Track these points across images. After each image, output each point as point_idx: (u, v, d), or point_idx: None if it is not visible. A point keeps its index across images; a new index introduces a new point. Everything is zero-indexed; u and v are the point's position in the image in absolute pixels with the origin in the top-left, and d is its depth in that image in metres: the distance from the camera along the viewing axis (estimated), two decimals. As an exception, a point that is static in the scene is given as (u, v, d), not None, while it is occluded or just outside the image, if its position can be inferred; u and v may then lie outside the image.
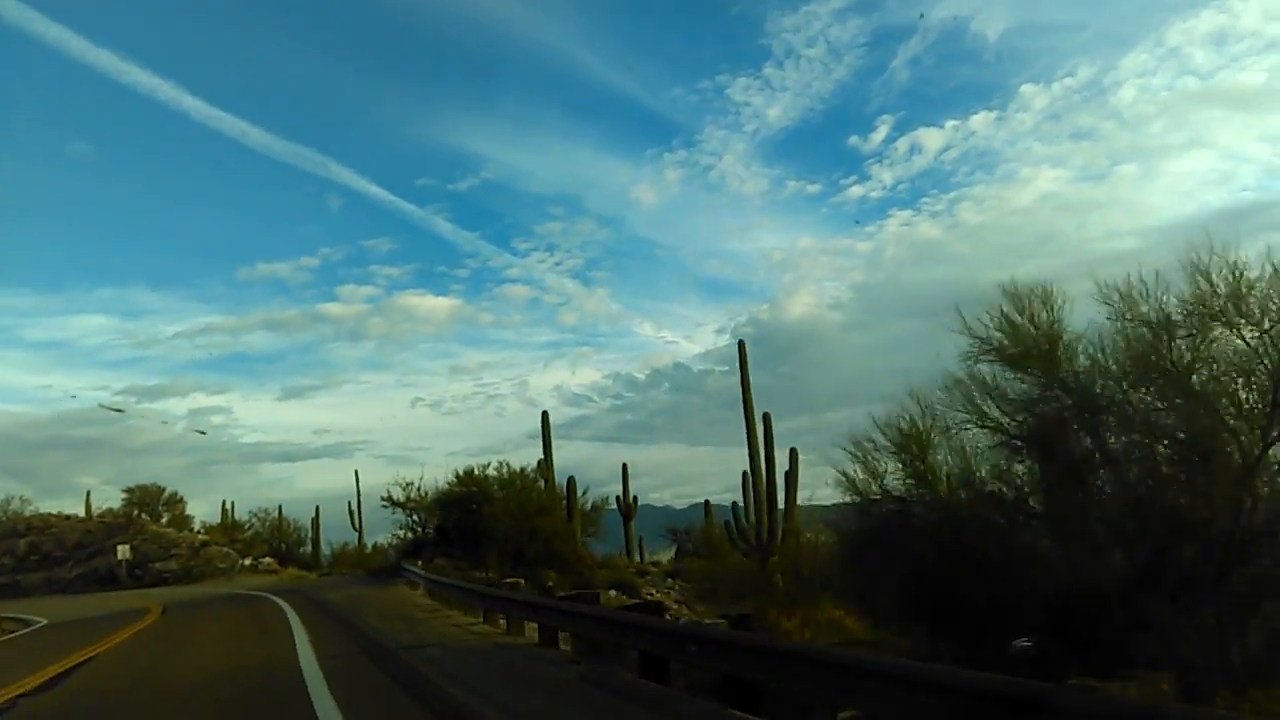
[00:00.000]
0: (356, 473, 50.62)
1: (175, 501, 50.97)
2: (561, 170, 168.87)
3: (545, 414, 32.44)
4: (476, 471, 29.85)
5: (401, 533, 33.99)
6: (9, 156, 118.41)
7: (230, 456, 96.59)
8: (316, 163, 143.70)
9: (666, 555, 43.51)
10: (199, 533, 48.45)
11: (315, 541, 48.45)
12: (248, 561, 44.72)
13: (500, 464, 29.97)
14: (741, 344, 27.72)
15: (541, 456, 31.46)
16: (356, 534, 47.45)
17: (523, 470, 29.97)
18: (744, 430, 26.43)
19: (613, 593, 26.06)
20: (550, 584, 25.04)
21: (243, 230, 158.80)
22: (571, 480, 31.27)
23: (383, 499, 33.67)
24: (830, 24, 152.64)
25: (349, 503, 48.17)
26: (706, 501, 40.70)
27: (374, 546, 45.47)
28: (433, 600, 20.89)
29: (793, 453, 27.16)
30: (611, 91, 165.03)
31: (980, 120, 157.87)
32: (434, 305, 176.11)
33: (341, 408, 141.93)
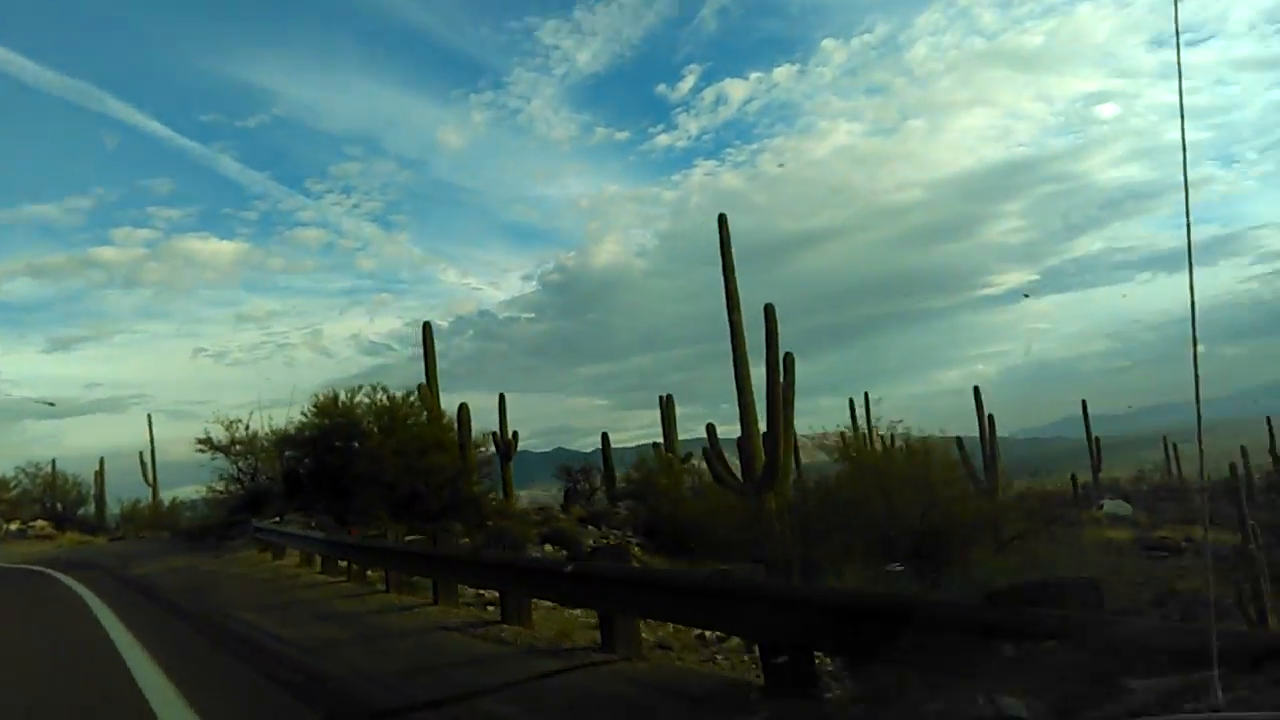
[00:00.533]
0: (150, 418, 40.79)
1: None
2: (360, 108, 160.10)
3: (427, 325, 25.74)
4: (342, 400, 22.88)
5: (223, 485, 26.34)
6: None
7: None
8: (92, 97, 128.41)
9: (546, 497, 38.35)
10: (-54, 489, 37.31)
11: (100, 499, 38.51)
12: (14, 526, 34.68)
13: (375, 388, 23.14)
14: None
15: (424, 380, 24.84)
16: (151, 490, 38.28)
17: (406, 397, 23.29)
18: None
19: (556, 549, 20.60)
20: (466, 539, 19.14)
21: (6, 168, 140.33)
22: (464, 408, 24.90)
23: (199, 441, 25.79)
24: None
25: (140, 454, 38.75)
26: (605, 435, 35.78)
27: (172, 503, 36.80)
28: (326, 573, 14.49)
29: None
30: (414, 27, 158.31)
31: (783, 73, 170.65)
32: (218, 249, 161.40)
33: (115, 359, 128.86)
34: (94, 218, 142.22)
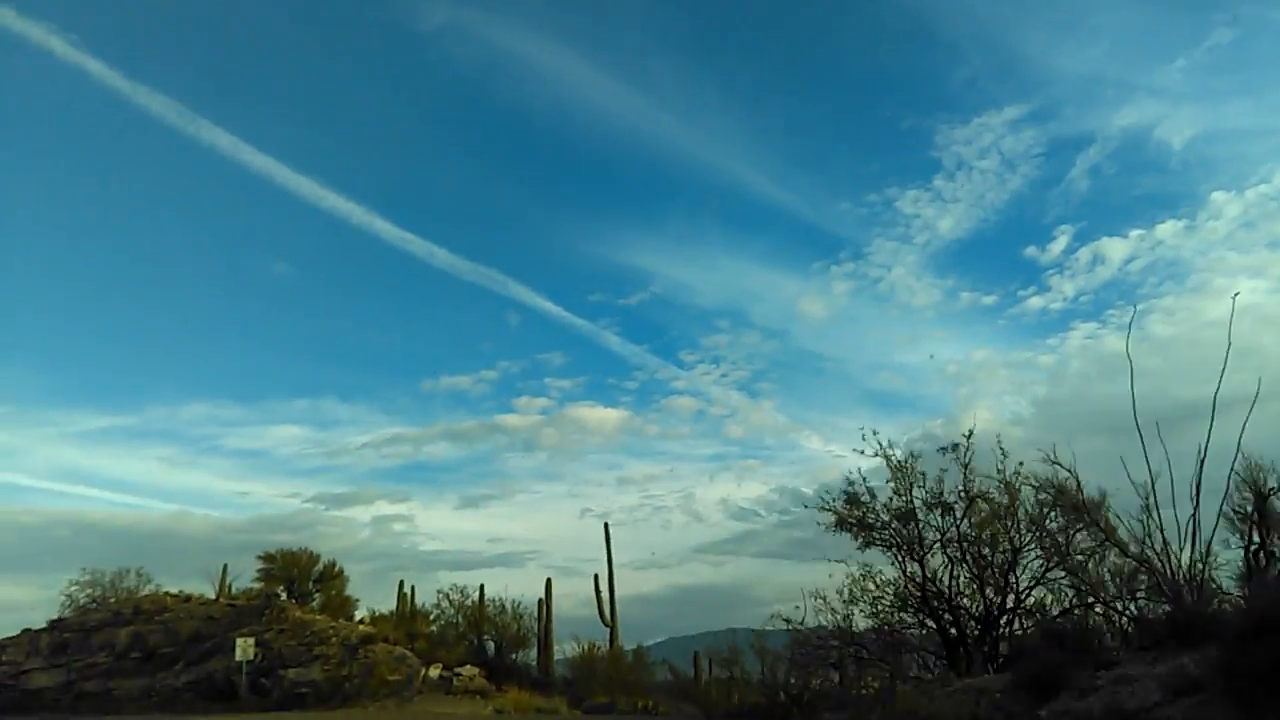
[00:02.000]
0: (605, 572, 31.46)
1: (332, 576, 33.51)
2: (727, 284, 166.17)
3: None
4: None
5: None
6: (220, 276, 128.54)
7: (411, 564, 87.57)
8: (496, 280, 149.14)
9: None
10: (361, 622, 30.35)
11: (544, 638, 29.03)
12: (435, 672, 25.97)
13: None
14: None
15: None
16: (608, 630, 27.90)
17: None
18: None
19: None
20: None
21: (428, 345, 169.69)
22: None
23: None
24: (1003, 135, 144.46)
25: (595, 576, 28.92)
26: None
27: (637, 653, 25.86)
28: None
29: None
30: (776, 206, 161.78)
31: (1167, 229, 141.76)
32: (603, 417, 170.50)
33: (515, 517, 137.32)
34: (499, 388, 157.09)
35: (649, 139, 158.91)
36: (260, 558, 33.32)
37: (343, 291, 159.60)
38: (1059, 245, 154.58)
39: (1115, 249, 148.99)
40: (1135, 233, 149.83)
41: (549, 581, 28.97)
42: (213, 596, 33.79)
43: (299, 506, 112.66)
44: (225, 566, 33.99)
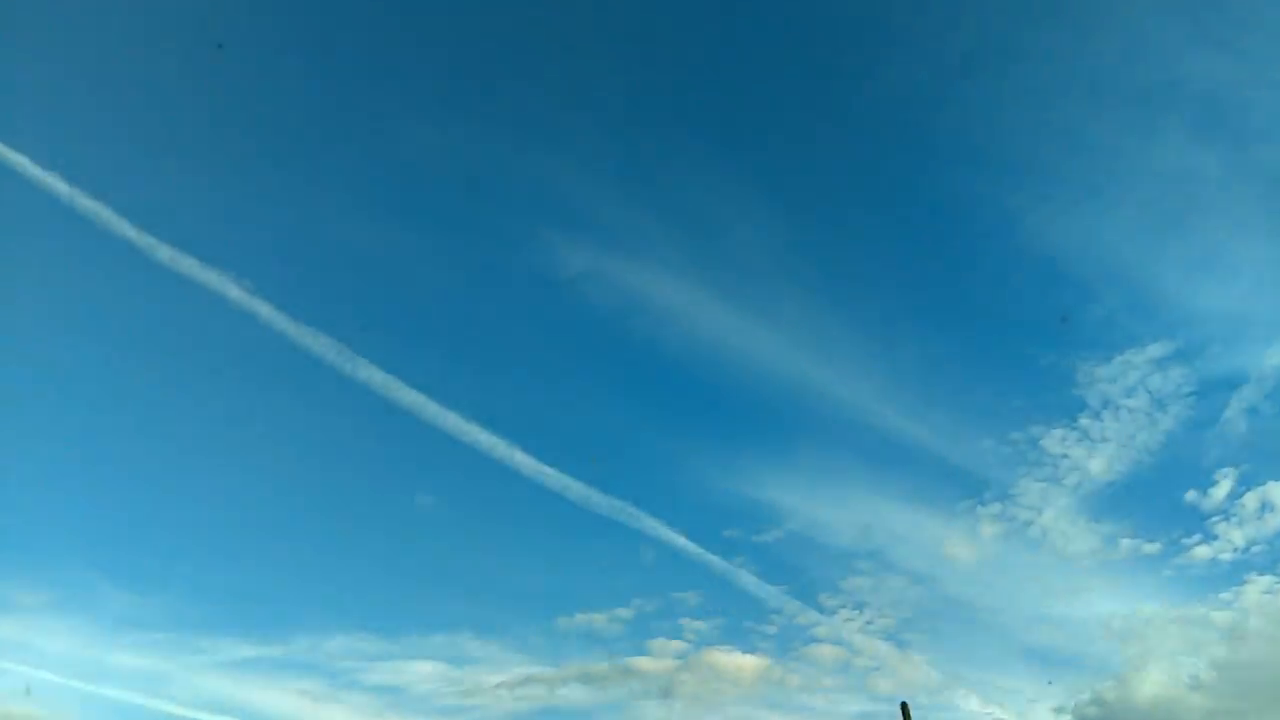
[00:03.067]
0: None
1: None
2: (866, 523, 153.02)
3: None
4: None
5: None
6: (366, 508, 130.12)
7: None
8: (630, 515, 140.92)
9: None
10: None
11: None
12: None
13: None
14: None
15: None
16: None
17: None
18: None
19: None
20: None
21: (563, 580, 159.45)
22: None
23: None
24: (1149, 373, 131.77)
25: None
26: None
27: None
28: None
29: None
30: (914, 442, 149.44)
31: None
32: (741, 664, 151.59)
33: None
34: (633, 627, 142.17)
35: (781, 375, 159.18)
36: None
37: (482, 524, 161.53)
38: (1222, 490, 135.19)
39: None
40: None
41: None
42: None
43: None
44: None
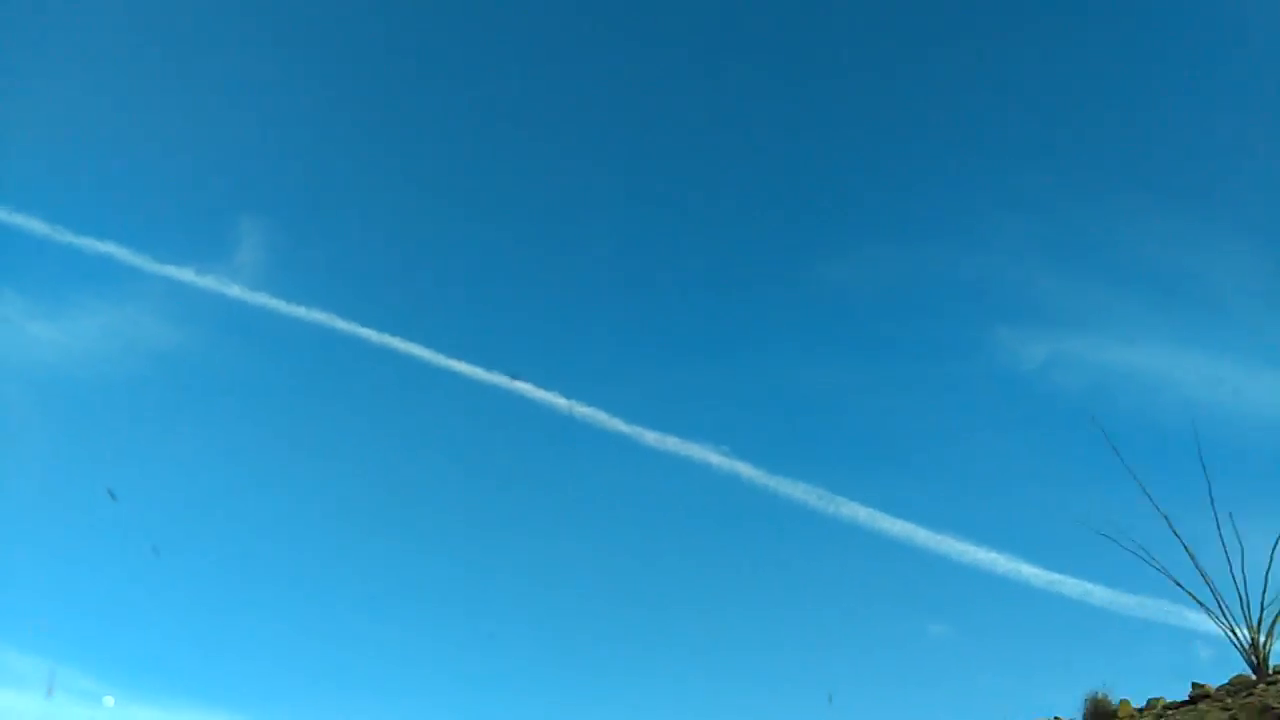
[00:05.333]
0: None
1: None
2: None
3: None
4: None
5: None
6: (877, 639, 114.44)
7: None
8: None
9: None
10: None
11: None
12: None
13: None
14: None
15: None
16: None
17: None
18: None
19: None
20: None
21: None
22: None
23: None
24: None
25: None
26: None
27: None
28: None
29: None
30: None
31: None
32: None
33: None
34: None
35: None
36: None
37: (994, 648, 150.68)
38: None
39: None
40: None
41: None
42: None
43: None
44: None
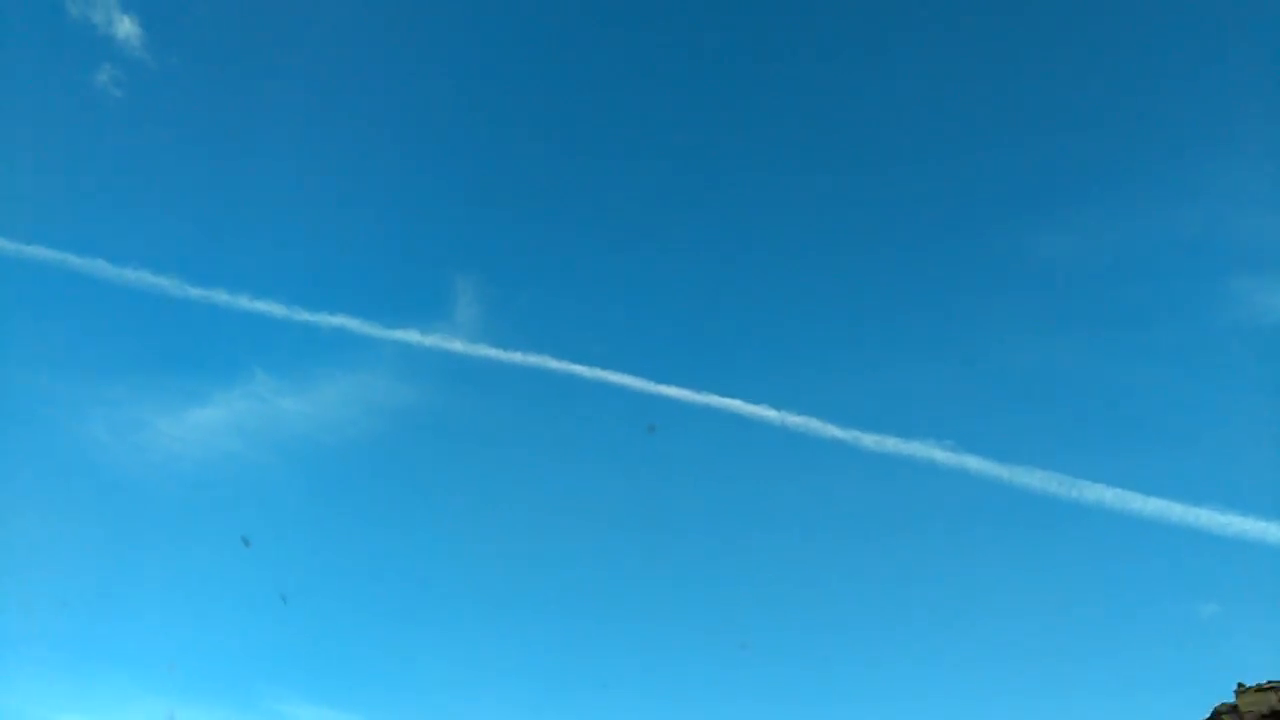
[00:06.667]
0: None
1: None
2: None
3: None
4: None
5: None
6: (1140, 622, 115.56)
7: None
8: None
9: None
10: None
11: None
12: None
13: None
14: None
15: None
16: None
17: None
18: None
19: None
20: None
21: None
22: None
23: None
24: None
25: None
26: None
27: None
28: None
29: None
30: None
31: None
32: None
33: None
34: None
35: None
36: None
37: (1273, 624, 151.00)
38: None
39: None
40: None
41: None
42: None
43: None
44: None
